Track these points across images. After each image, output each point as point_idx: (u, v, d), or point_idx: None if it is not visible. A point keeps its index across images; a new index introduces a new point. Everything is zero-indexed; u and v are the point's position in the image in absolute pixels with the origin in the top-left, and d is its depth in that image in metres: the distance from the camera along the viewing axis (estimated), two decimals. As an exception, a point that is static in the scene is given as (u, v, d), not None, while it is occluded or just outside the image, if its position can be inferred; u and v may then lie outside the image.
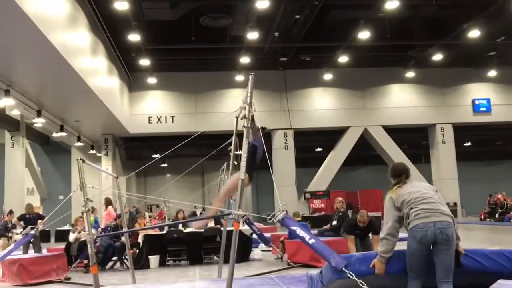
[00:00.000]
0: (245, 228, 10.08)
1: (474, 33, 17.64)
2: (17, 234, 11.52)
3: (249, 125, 5.07)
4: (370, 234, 8.14)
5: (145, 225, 10.51)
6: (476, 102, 23.50)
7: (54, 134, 19.60)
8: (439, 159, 23.46)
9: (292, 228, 4.31)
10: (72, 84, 13.61)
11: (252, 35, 17.18)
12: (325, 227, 10.34)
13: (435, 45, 19.49)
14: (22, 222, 10.85)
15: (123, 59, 18.85)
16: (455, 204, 21.83)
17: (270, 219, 4.36)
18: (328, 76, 22.18)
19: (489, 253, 4.15)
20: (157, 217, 17.13)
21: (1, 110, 18.27)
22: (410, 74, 22.66)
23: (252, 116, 5.14)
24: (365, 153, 26.83)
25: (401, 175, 4.08)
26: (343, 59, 20.30)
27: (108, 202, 11.80)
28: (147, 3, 16.07)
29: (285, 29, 17.90)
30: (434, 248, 3.73)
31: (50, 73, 12.73)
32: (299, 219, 10.60)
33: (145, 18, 17.05)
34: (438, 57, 20.63)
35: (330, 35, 18.67)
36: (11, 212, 13.15)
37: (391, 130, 23.33)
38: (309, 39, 18.43)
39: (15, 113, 18.72)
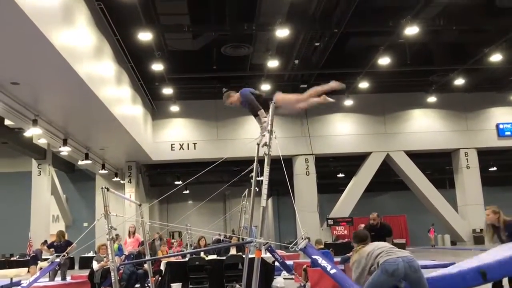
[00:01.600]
0: (267, 255, 10.02)
1: (495, 58, 17.53)
2: (43, 261, 11.70)
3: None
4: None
5: (167, 253, 10.55)
6: (501, 126, 23.14)
7: (79, 162, 19.97)
8: (463, 184, 23.05)
9: (313, 257, 4.31)
10: (97, 113, 13.94)
11: (273, 63, 17.42)
12: (348, 254, 10.21)
13: (457, 70, 19.39)
14: (52, 250, 10.98)
15: (146, 88, 19.26)
16: (481, 230, 21.28)
17: (292, 247, 4.38)
18: (348, 102, 22.20)
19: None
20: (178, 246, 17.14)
21: (28, 139, 18.78)
22: (432, 99, 22.52)
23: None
24: (388, 178, 26.56)
25: (363, 241, 4.68)
26: (364, 85, 20.33)
27: (134, 230, 11.94)
28: (170, 34, 16.50)
29: (305, 57, 18.09)
30: (407, 280, 4.20)
31: (76, 102, 13.08)
32: (322, 246, 10.51)
33: (168, 48, 17.49)
34: (460, 81, 20.50)
35: (350, 62, 18.78)
36: (45, 242, 13.35)
37: (414, 156, 23.08)
38: (329, 66, 18.55)
39: (42, 141, 19.20)
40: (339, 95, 22.19)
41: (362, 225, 10.56)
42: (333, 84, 5.73)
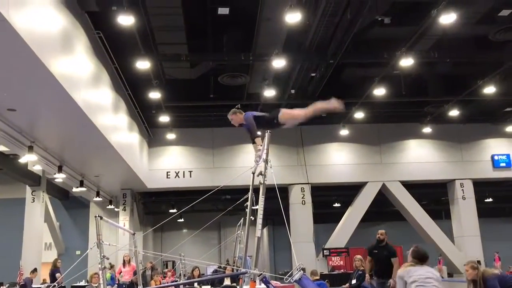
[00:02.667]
0: (261, 287, 9.88)
1: (489, 90, 17.74)
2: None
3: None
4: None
5: (160, 283, 10.40)
6: (496, 157, 23.23)
7: (74, 189, 19.84)
8: (459, 215, 22.98)
9: (308, 288, 4.25)
10: (93, 141, 13.94)
11: (269, 92, 17.58)
12: (344, 286, 10.12)
13: (451, 101, 19.59)
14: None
15: (143, 116, 19.33)
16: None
17: (286, 279, 4.33)
18: (344, 132, 22.32)
19: None
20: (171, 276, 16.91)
21: (23, 165, 18.71)
22: (427, 129, 22.67)
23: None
24: (384, 208, 26.46)
25: (422, 260, 4.95)
26: (359, 115, 20.48)
27: (129, 258, 11.82)
28: (168, 63, 16.67)
29: (301, 87, 18.27)
30: None
31: (73, 129, 13.09)
32: (317, 277, 10.40)
33: (165, 76, 17.65)
34: (454, 113, 20.68)
35: (346, 92, 18.95)
36: (35, 270, 13.18)
37: (410, 186, 23.07)
38: (325, 96, 18.57)
39: (37, 168, 19.11)
40: (335, 125, 22.39)
41: (359, 256, 10.47)
42: (336, 104, 5.98)
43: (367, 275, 8.98)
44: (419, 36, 14.21)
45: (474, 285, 6.48)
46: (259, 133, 5.84)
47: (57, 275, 12.50)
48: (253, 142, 5.71)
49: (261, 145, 5.49)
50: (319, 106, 5.86)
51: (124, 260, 13.08)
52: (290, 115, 5.79)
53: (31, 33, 8.08)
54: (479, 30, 15.20)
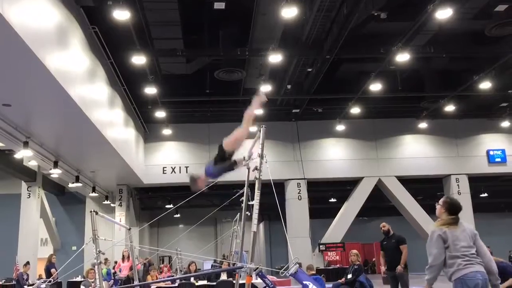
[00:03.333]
0: (258, 281, 9.92)
1: (485, 85, 17.79)
2: (30, 286, 11.51)
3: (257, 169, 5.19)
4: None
5: (157, 278, 10.41)
6: (491, 152, 23.31)
7: (70, 185, 19.80)
8: (455, 210, 23.04)
9: (304, 282, 4.27)
10: (89, 136, 13.90)
11: (265, 88, 17.56)
12: (340, 280, 10.16)
13: (447, 97, 19.64)
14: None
15: (139, 111, 19.29)
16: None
17: (282, 272, 4.34)
18: (340, 127, 22.34)
19: None
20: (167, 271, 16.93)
21: (19, 161, 18.64)
22: (423, 125, 22.72)
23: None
24: (380, 204, 26.53)
25: (457, 213, 4.33)
26: (355, 110, 20.51)
27: (128, 254, 11.83)
28: (163, 58, 16.63)
29: (298, 82, 18.27)
30: None
31: (68, 125, 13.05)
32: (313, 272, 10.43)
33: (161, 72, 17.61)
34: (450, 108, 20.73)
35: (342, 87, 18.99)
36: (27, 263, 13.19)
37: (406, 181, 23.14)
38: (321, 91, 18.74)
39: (33, 164, 19.05)
40: (331, 120, 22.42)
41: (354, 251, 10.50)
42: (259, 100, 5.73)
43: (382, 268, 8.97)
44: (415, 31, 14.23)
45: None
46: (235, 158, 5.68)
47: (52, 270, 12.51)
48: (234, 168, 5.63)
49: (244, 160, 5.49)
50: (249, 112, 5.59)
51: (123, 255, 13.10)
52: (232, 140, 5.60)
53: (26, 27, 8.03)
54: (475, 25, 15.22)
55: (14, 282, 16.84)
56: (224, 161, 5.38)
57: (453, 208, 4.34)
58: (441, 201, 4.58)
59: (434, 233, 4.21)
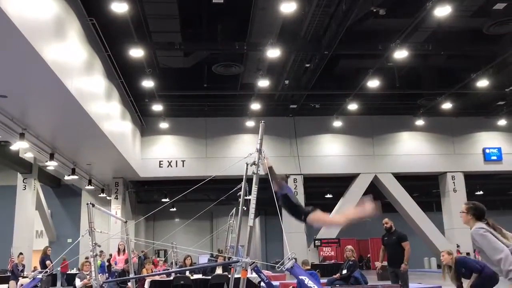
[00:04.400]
0: (253, 276, 9.93)
1: (482, 83, 17.82)
2: (24, 277, 11.49)
3: (269, 176, 5.10)
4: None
5: (152, 271, 10.41)
6: (487, 151, 23.40)
7: (66, 177, 19.77)
8: (450, 207, 23.15)
9: (300, 277, 4.27)
10: (85, 129, 13.86)
11: (263, 83, 17.55)
12: (335, 276, 10.19)
13: (444, 94, 19.67)
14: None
15: (136, 104, 19.24)
16: (468, 254, 21.34)
17: (278, 267, 4.35)
18: (337, 123, 22.36)
19: None
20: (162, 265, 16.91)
21: (15, 152, 18.58)
22: (420, 122, 22.76)
23: (271, 167, 5.15)
24: (375, 200, 26.57)
25: (484, 216, 3.92)
26: (353, 106, 20.51)
27: (124, 247, 11.79)
28: (161, 51, 16.57)
29: (295, 77, 18.26)
30: None
31: (64, 117, 13.00)
32: (308, 267, 10.46)
33: (159, 65, 17.55)
34: (447, 105, 20.77)
35: (339, 83, 18.99)
36: (20, 254, 13.18)
37: (402, 178, 23.20)
38: (319, 87, 18.74)
39: (29, 155, 19.00)
40: (328, 116, 22.42)
41: (350, 246, 10.52)
42: (370, 209, 5.28)
43: (380, 264, 8.96)
44: (413, 28, 14.23)
45: (448, 268, 7.03)
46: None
47: (47, 262, 12.50)
48: (306, 216, 5.28)
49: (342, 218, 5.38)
50: (353, 212, 5.36)
51: (119, 249, 13.09)
52: (321, 222, 5.48)
53: (23, 19, 7.98)
54: (474, 23, 15.23)
55: (9, 274, 16.80)
56: (294, 212, 5.32)
57: (479, 213, 3.96)
58: (463, 208, 4.15)
59: (479, 230, 3.79)
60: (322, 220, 5.47)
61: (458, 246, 21.54)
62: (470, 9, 14.72)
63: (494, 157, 23.37)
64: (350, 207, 5.34)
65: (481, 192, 29.28)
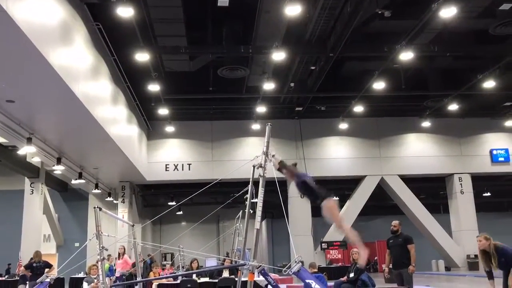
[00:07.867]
0: (260, 279, 9.91)
1: (489, 84, 17.73)
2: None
3: (283, 171, 5.20)
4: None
5: (159, 274, 10.43)
6: (494, 152, 23.26)
7: (73, 181, 19.84)
8: (457, 209, 23.04)
9: (307, 281, 4.27)
10: (92, 133, 13.92)
11: (268, 86, 17.55)
12: (342, 279, 10.13)
13: (451, 96, 19.59)
14: (29, 271, 10.80)
15: (142, 108, 19.30)
16: (476, 256, 21.20)
17: (285, 271, 4.34)
18: (343, 125, 22.31)
19: None
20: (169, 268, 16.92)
21: (22, 157, 18.67)
22: (426, 123, 22.67)
23: (281, 161, 5.28)
24: (382, 202, 26.50)
25: None
26: (358, 108, 20.47)
27: (124, 251, 11.79)
28: (167, 55, 16.63)
29: (301, 80, 18.25)
30: None
31: (71, 122, 13.07)
32: (315, 270, 10.42)
33: (165, 69, 17.61)
34: (454, 107, 20.68)
35: (345, 85, 18.95)
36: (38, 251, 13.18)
37: (408, 180, 23.10)
38: (324, 89, 18.72)
39: (36, 160, 19.08)
40: (334, 118, 22.38)
41: (356, 249, 10.47)
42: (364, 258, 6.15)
43: (387, 269, 8.88)
44: (419, 30, 14.19)
45: (483, 254, 6.84)
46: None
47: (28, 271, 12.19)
48: (321, 201, 5.60)
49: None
50: (353, 237, 5.58)
51: (119, 253, 13.12)
52: (331, 212, 5.62)
53: (30, 24, 8.04)
54: (480, 24, 15.17)
55: (17, 278, 16.86)
56: (312, 196, 5.40)
57: None
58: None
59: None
60: (333, 211, 5.62)
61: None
62: (476, 10, 14.66)
63: (501, 158, 23.23)
64: (363, 250, 5.66)
65: (488, 194, 29.11)
